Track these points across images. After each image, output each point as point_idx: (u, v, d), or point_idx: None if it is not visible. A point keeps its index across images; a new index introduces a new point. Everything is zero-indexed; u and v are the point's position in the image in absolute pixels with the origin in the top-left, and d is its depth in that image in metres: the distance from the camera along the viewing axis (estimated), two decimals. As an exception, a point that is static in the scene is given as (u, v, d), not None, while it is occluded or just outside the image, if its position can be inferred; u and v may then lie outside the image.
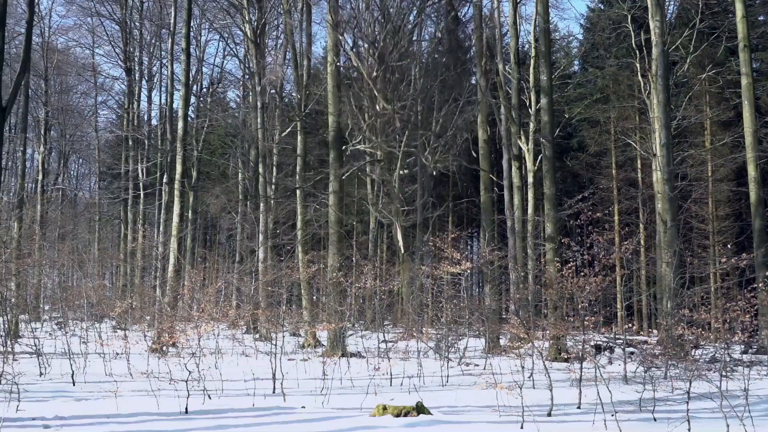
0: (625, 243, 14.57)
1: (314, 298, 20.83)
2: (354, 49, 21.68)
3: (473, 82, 24.91)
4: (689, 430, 7.79)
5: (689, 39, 24.01)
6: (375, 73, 19.49)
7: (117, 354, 14.60)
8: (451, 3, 22.87)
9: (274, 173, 25.98)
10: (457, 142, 23.65)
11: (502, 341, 18.27)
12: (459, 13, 24.98)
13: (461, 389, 11.47)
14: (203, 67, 33.94)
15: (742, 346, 16.23)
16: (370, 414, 8.94)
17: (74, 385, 11.74)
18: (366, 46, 20.76)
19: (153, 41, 34.05)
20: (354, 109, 20.32)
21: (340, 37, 20.18)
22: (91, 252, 32.85)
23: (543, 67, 18.94)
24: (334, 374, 11.80)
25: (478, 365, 15.09)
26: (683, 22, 25.86)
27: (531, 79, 24.37)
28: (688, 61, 24.58)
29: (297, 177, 21.91)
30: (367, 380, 11.82)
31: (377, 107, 20.19)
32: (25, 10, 16.88)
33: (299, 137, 22.54)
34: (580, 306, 10.45)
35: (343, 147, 20.17)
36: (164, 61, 32.54)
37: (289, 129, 25.15)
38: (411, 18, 23.08)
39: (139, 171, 32.28)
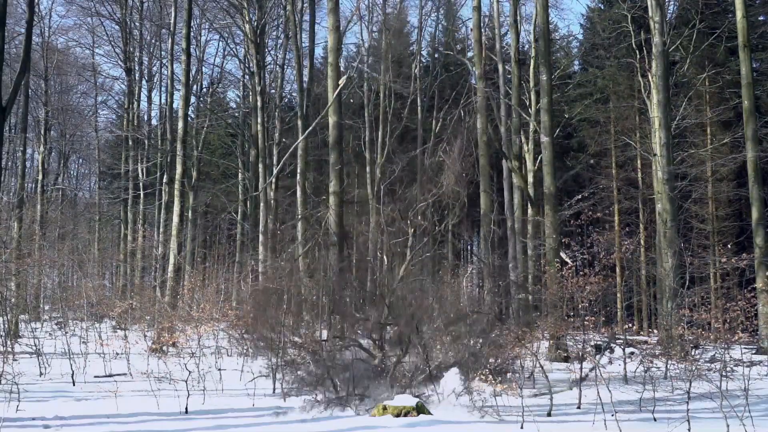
0: (626, 243, 14.59)
1: (314, 298, 20.80)
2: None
3: (473, 82, 24.92)
4: (689, 430, 7.79)
5: (689, 39, 24.00)
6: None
7: (117, 354, 14.60)
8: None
9: (274, 173, 25.98)
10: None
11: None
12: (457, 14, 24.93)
13: (461, 389, 11.45)
14: (203, 67, 33.92)
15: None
16: (370, 414, 8.94)
17: (74, 385, 11.75)
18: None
19: (153, 41, 34.02)
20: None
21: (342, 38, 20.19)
22: (91, 252, 32.82)
23: (543, 67, 18.93)
24: (334, 374, 11.77)
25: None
26: (683, 22, 25.86)
27: (531, 79, 24.39)
28: (688, 61, 24.58)
29: (298, 177, 21.89)
30: (367, 380, 11.79)
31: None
32: (25, 10, 16.88)
33: (300, 137, 22.49)
34: (580, 306, 10.45)
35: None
36: (164, 61, 32.51)
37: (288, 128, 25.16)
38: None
39: (139, 171, 32.26)
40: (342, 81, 17.60)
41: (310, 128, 20.68)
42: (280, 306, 11.29)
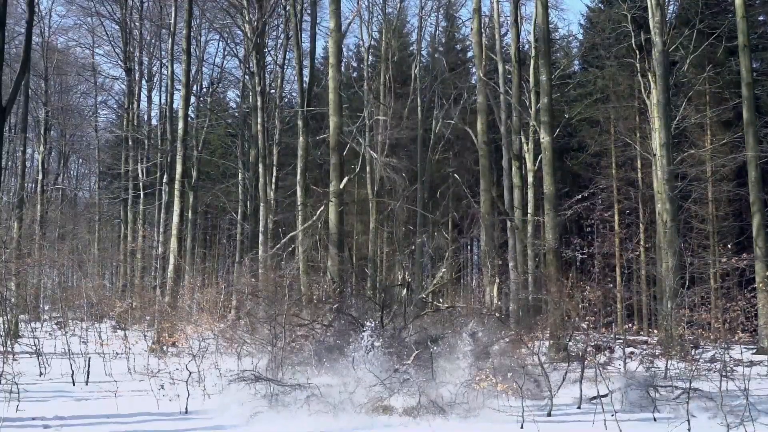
0: (628, 247, 14.63)
1: (314, 297, 20.82)
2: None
3: (473, 82, 24.93)
4: (689, 430, 7.79)
5: (689, 39, 24.00)
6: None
7: (117, 354, 14.59)
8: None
9: (275, 173, 25.96)
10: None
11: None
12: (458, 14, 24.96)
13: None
14: (203, 67, 33.90)
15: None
16: (368, 413, 8.93)
17: (74, 385, 11.74)
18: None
19: (153, 41, 34.01)
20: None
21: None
22: (91, 252, 32.82)
23: (543, 67, 18.91)
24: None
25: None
26: (683, 22, 25.86)
27: (531, 79, 24.39)
28: (688, 61, 24.58)
29: (298, 177, 21.88)
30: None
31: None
32: (25, 10, 16.88)
33: (300, 138, 22.52)
34: (580, 306, 10.46)
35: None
36: (164, 61, 32.50)
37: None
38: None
39: (139, 171, 32.25)
40: (343, 181, 18.09)
41: (313, 220, 20.72)
42: (279, 304, 11.28)
